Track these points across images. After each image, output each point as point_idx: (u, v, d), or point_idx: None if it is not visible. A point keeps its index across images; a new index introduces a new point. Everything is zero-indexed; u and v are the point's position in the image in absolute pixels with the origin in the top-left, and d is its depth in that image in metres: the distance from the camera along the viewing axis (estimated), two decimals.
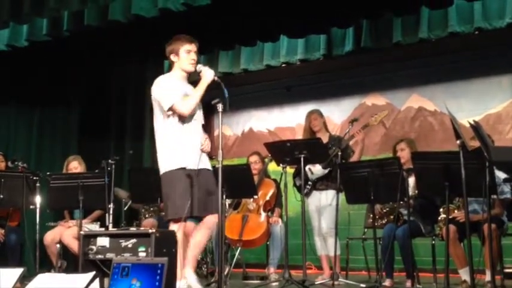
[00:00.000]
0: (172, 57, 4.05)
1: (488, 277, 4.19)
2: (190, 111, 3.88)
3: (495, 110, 6.64)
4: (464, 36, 6.08)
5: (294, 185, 5.38)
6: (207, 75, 3.90)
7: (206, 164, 4.01)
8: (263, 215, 5.55)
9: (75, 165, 5.64)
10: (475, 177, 3.71)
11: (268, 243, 5.60)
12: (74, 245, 5.20)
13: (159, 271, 3.00)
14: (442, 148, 6.30)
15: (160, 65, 7.61)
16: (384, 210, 5.05)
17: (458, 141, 3.72)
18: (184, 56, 4.00)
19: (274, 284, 5.04)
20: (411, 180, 4.61)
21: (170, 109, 3.88)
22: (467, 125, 3.64)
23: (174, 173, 3.88)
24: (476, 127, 3.52)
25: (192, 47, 4.02)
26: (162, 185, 3.95)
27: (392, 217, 4.92)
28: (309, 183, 5.33)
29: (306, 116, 5.55)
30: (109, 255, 3.71)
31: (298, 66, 7.17)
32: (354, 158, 5.23)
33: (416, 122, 7.13)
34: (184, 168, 3.88)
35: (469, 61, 6.71)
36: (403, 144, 4.99)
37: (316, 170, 5.30)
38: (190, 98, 3.90)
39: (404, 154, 4.87)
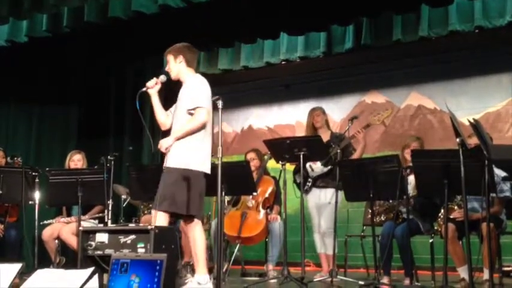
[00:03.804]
0: None
1: (486, 275, 4.19)
2: None
3: (495, 109, 6.64)
4: (465, 34, 6.08)
5: (294, 181, 5.39)
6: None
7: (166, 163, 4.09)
8: (262, 212, 5.55)
9: (79, 158, 5.65)
10: (474, 175, 3.71)
11: (267, 240, 5.60)
12: (72, 241, 5.20)
13: (158, 267, 3.00)
14: (441, 146, 6.29)
15: (160, 61, 7.61)
16: (383, 208, 5.05)
17: (457, 140, 3.72)
18: None
19: (272, 280, 5.04)
20: (411, 178, 4.61)
21: None
22: (467, 123, 3.65)
23: None
24: (475, 125, 3.53)
25: None
26: None
27: (391, 215, 4.92)
28: (309, 180, 5.34)
29: (308, 112, 5.56)
30: (108, 251, 3.72)
31: (298, 64, 7.16)
32: (355, 157, 5.23)
33: (415, 120, 7.13)
34: None
35: (469, 59, 6.71)
36: (416, 143, 4.93)
37: (317, 167, 5.31)
38: None
39: None
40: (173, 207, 3.94)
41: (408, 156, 4.73)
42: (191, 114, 4.03)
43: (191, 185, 3.95)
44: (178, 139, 4.02)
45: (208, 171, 4.08)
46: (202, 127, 4.02)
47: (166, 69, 4.29)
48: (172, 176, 3.97)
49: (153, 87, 4.24)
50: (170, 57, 4.25)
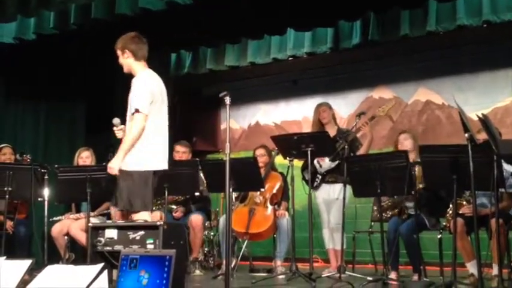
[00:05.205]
0: None
1: (495, 271, 4.18)
2: None
3: (503, 104, 6.61)
4: (473, 29, 6.05)
5: (303, 178, 5.38)
6: None
7: None
8: (270, 208, 5.56)
9: (87, 155, 5.68)
10: (483, 170, 3.70)
11: (275, 236, 5.61)
12: (81, 237, 5.23)
13: (167, 263, 3.02)
14: (449, 141, 6.27)
15: (167, 58, 7.62)
16: (389, 204, 5.03)
17: (466, 135, 3.70)
18: None
19: (281, 276, 5.05)
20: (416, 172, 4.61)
21: None
22: (475, 119, 3.63)
23: None
24: (484, 120, 3.52)
25: None
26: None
27: (396, 211, 4.91)
28: (318, 176, 5.34)
29: (314, 108, 5.55)
30: (117, 247, 3.73)
31: (305, 60, 7.16)
32: (363, 151, 5.23)
33: (423, 115, 7.11)
34: None
35: (477, 54, 6.67)
36: (406, 134, 5.06)
37: (324, 163, 5.31)
38: None
39: (407, 144, 4.91)
40: (120, 204, 3.97)
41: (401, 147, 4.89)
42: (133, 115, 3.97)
43: (135, 184, 3.91)
44: (126, 153, 3.90)
45: (156, 167, 3.98)
46: (143, 130, 3.93)
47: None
48: (120, 178, 3.95)
49: (123, 132, 4.12)
50: (118, 53, 4.16)
